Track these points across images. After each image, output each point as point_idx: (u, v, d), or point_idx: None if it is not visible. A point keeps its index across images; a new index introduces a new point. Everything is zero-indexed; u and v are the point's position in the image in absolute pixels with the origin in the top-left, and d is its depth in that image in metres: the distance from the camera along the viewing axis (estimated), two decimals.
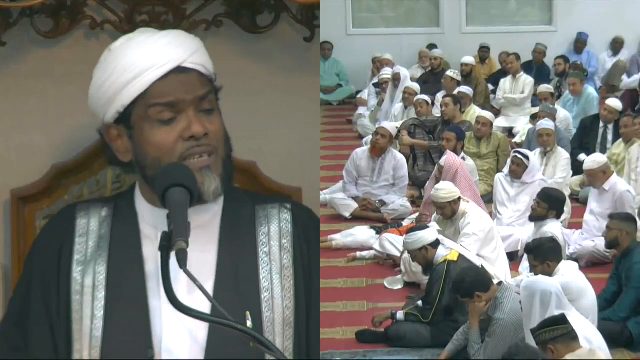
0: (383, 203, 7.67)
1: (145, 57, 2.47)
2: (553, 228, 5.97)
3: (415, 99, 9.19)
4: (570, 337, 4.02)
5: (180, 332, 2.48)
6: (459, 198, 6.17)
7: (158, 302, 2.50)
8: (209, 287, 2.49)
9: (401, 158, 7.96)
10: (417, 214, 7.09)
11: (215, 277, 2.53)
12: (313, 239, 2.69)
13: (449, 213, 6.16)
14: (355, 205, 7.64)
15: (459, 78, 10.03)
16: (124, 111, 2.50)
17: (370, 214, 7.62)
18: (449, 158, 6.91)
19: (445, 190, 6.19)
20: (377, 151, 7.81)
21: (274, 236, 2.62)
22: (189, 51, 2.52)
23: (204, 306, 2.33)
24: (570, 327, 4.04)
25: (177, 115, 2.46)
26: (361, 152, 7.94)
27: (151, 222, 2.59)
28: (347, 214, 7.61)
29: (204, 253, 2.52)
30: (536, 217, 6.17)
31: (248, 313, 2.41)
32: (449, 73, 10.09)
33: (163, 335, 2.48)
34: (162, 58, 2.47)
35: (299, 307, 2.61)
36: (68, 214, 2.66)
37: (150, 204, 2.59)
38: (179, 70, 2.48)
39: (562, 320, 4.07)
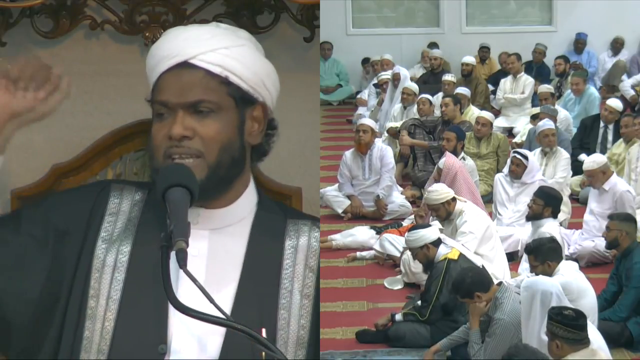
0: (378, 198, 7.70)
1: (162, 48, 2.41)
2: (550, 228, 5.96)
3: (419, 97, 9.22)
4: (581, 343, 4.02)
5: (189, 335, 2.40)
6: (453, 198, 6.17)
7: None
8: (230, 293, 2.43)
9: (385, 147, 8.03)
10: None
11: (238, 285, 2.45)
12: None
13: (443, 214, 6.16)
14: (347, 201, 7.70)
15: (454, 80, 10.03)
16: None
17: (369, 213, 7.65)
18: (447, 160, 6.90)
19: (437, 191, 6.19)
20: (363, 147, 7.84)
21: (301, 252, 2.52)
22: (205, 47, 2.39)
23: (225, 308, 2.22)
24: (585, 335, 4.04)
25: (168, 113, 2.39)
26: (349, 154, 7.95)
27: None
28: (339, 210, 7.66)
29: (230, 256, 2.47)
30: (532, 215, 6.15)
31: (264, 330, 2.31)
32: (446, 78, 10.06)
33: (173, 334, 2.39)
34: (173, 51, 2.39)
35: (313, 327, 2.52)
36: (104, 188, 2.56)
37: None
38: (185, 66, 2.38)
39: (581, 327, 4.04)
